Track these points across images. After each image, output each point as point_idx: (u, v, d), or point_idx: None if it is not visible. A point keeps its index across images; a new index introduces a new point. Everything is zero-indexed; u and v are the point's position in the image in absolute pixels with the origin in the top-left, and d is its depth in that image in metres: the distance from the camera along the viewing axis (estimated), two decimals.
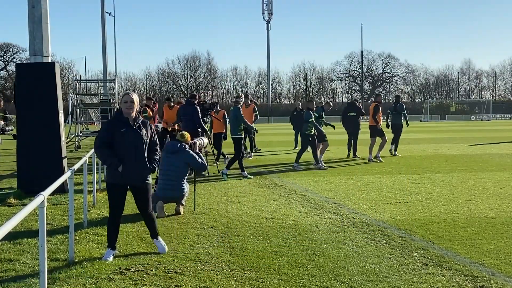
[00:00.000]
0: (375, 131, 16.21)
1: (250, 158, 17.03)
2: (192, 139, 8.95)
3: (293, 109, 22.66)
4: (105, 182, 5.97)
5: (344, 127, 17.66)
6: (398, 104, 17.19)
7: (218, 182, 11.81)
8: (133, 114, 5.67)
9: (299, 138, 20.72)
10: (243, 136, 12.75)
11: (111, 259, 5.70)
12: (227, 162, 13.80)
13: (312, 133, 14.26)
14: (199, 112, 13.10)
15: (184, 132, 8.79)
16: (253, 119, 17.41)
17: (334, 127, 16.48)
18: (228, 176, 12.28)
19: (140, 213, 6.07)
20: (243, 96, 13.91)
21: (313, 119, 14.25)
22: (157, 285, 4.91)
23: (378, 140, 16.17)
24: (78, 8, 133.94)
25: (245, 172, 12.56)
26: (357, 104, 18.28)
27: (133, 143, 5.65)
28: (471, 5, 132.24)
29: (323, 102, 16.40)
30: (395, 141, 17.35)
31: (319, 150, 14.79)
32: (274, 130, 43.68)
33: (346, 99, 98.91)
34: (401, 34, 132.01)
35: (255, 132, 15.65)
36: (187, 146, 8.45)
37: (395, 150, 17.34)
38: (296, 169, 14.00)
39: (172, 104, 15.76)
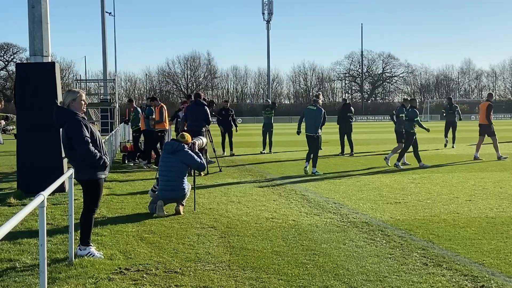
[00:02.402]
0: (487, 130, 16.39)
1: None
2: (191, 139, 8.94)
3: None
4: (90, 179, 5.80)
5: (340, 126, 18.67)
6: (453, 105, 18.73)
7: (218, 182, 11.80)
8: None
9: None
10: (321, 134, 13.33)
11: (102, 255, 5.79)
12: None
13: (416, 131, 14.39)
14: (208, 112, 13.20)
15: (185, 133, 8.78)
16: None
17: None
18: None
19: (85, 212, 5.90)
20: (321, 95, 14.18)
21: (418, 118, 14.44)
22: (157, 285, 4.91)
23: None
24: (78, 8, 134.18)
25: (315, 169, 13.07)
26: (350, 105, 19.70)
27: (99, 137, 5.89)
28: (471, 5, 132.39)
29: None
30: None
31: (396, 149, 15.01)
32: (274, 130, 43.60)
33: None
34: (401, 34, 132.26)
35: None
36: (186, 146, 8.43)
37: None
38: (399, 167, 13.88)
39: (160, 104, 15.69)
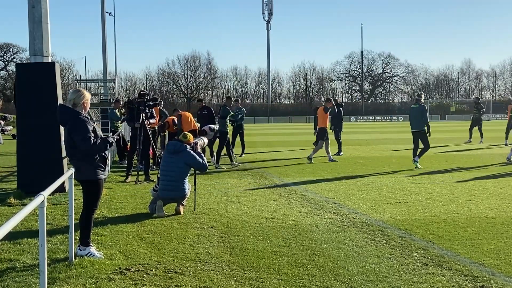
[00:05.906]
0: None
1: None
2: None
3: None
4: (90, 179, 5.80)
5: (333, 125, 19.10)
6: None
7: (218, 182, 11.80)
8: None
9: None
10: (428, 131, 13.98)
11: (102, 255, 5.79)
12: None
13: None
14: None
15: (187, 133, 8.77)
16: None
17: None
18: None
19: (85, 212, 5.88)
20: (423, 94, 15.14)
21: None
22: (157, 285, 4.91)
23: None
24: (78, 8, 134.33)
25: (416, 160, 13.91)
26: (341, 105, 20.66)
27: (99, 136, 5.87)
28: (471, 5, 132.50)
29: None
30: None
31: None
32: (274, 130, 43.69)
33: (346, 99, 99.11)
34: (401, 34, 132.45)
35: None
36: (188, 146, 8.43)
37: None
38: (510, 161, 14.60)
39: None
